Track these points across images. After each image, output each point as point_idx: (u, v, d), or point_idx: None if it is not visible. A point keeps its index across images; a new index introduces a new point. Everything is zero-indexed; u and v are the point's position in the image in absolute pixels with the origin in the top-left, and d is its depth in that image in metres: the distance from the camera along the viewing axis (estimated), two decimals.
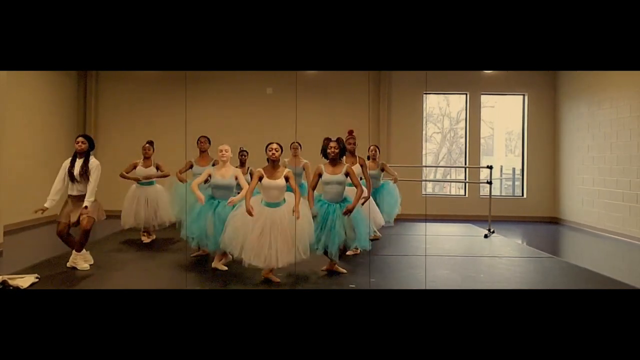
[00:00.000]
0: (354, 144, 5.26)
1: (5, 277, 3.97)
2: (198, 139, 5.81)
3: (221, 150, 4.71)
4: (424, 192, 10.08)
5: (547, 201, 9.61)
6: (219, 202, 4.65)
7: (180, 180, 5.66)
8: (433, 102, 14.78)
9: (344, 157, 4.99)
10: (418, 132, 9.81)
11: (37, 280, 4.14)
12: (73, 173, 4.59)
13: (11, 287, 3.86)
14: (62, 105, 8.95)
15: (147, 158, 6.09)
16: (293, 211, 4.03)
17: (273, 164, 4.25)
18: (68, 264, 4.65)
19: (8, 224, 6.65)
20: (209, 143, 5.81)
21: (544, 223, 9.30)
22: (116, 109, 9.58)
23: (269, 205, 4.19)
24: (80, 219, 4.54)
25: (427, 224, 8.72)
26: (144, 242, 6.16)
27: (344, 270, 4.66)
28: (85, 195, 4.60)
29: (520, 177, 10.08)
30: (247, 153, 5.58)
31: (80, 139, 4.71)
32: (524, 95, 9.82)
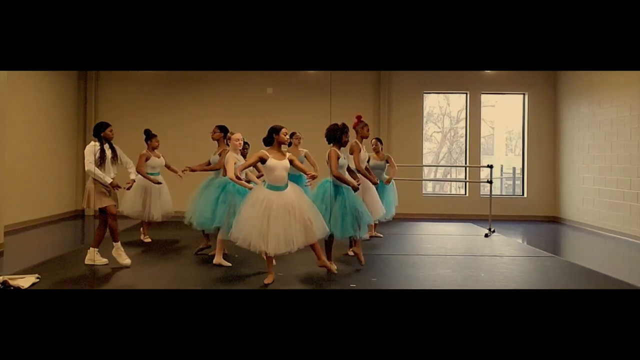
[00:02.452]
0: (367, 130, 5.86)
1: (6, 277, 3.98)
2: (213, 131, 5.70)
3: (237, 139, 4.83)
4: (424, 192, 10.08)
5: (548, 200, 9.60)
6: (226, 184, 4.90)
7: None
8: (433, 102, 14.78)
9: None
10: (418, 131, 9.82)
11: (37, 280, 4.15)
12: (105, 157, 4.78)
13: (12, 287, 3.86)
14: (63, 105, 8.96)
15: (155, 149, 6.22)
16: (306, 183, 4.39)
17: (279, 147, 4.22)
18: (86, 261, 4.80)
19: (9, 224, 6.66)
20: (221, 131, 5.67)
21: (544, 222, 9.30)
22: (116, 109, 9.58)
23: (275, 188, 4.10)
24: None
25: (428, 223, 8.73)
26: (144, 241, 6.19)
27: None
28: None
29: (521, 176, 10.08)
30: (249, 145, 5.63)
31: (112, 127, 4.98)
32: (524, 94, 9.82)
